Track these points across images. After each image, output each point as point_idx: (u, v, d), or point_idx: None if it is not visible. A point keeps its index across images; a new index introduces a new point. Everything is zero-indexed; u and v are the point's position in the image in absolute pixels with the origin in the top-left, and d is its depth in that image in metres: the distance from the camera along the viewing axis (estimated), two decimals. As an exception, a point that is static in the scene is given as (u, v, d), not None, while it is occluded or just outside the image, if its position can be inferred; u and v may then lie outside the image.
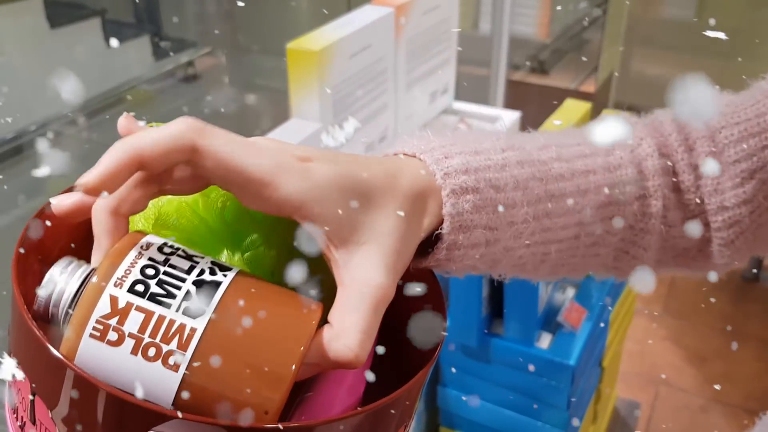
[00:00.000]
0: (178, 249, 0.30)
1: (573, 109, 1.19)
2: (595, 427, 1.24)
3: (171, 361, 0.28)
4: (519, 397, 1.02)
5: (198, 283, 0.29)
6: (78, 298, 0.29)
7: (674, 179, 0.40)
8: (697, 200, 0.39)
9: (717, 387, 1.67)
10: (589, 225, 0.38)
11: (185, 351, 0.28)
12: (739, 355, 1.78)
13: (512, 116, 1.20)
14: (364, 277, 0.30)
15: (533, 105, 1.74)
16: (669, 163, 0.39)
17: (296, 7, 2.22)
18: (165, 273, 0.29)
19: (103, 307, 0.28)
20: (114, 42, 1.93)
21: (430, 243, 0.35)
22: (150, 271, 0.29)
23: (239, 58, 2.24)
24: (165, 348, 0.28)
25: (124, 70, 1.91)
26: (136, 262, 0.29)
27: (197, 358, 0.28)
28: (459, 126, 1.16)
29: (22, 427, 0.31)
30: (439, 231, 0.33)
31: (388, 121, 1.01)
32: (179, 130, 0.28)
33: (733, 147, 0.38)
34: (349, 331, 0.29)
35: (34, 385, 0.30)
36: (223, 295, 0.29)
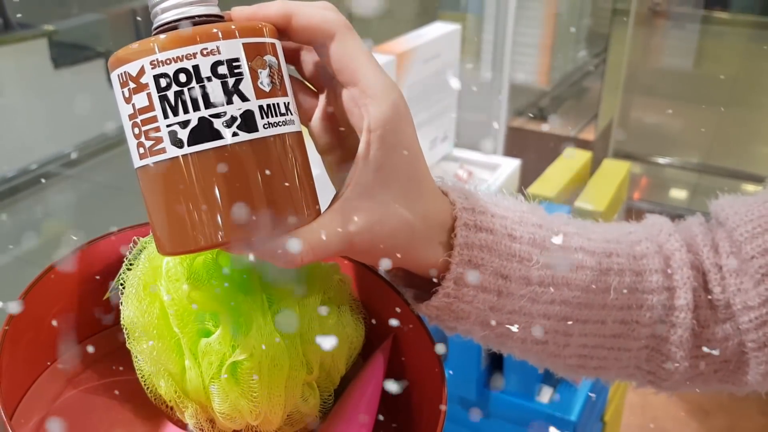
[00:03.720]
0: (234, 75, 0.29)
1: (573, 157, 1.19)
2: (596, 483, 1.20)
3: (140, 150, 0.30)
4: (519, 453, 0.99)
5: (202, 122, 0.29)
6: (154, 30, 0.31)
7: (703, 277, 0.39)
8: (726, 301, 0.39)
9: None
10: (614, 310, 0.37)
11: (148, 157, 0.29)
12: (743, 410, 1.75)
13: (512, 164, 1.20)
14: (349, 220, 0.31)
15: (533, 152, 1.75)
16: (697, 261, 0.39)
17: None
18: (190, 90, 0.29)
19: (132, 68, 0.29)
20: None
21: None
22: (182, 78, 0.29)
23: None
24: (142, 139, 0.29)
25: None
26: (182, 60, 0.29)
27: (151, 171, 0.29)
28: (458, 172, 1.15)
29: None
30: (447, 260, 0.33)
31: (387, 168, 1.00)
32: (331, 17, 0.32)
33: (748, 243, 0.38)
34: (302, 237, 0.31)
35: None
36: (203, 150, 0.29)
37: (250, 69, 0.29)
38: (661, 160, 2.38)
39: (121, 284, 0.36)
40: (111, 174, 1.65)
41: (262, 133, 0.29)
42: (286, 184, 0.30)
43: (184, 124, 0.29)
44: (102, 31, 1.90)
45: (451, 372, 0.95)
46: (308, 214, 0.31)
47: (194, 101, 0.29)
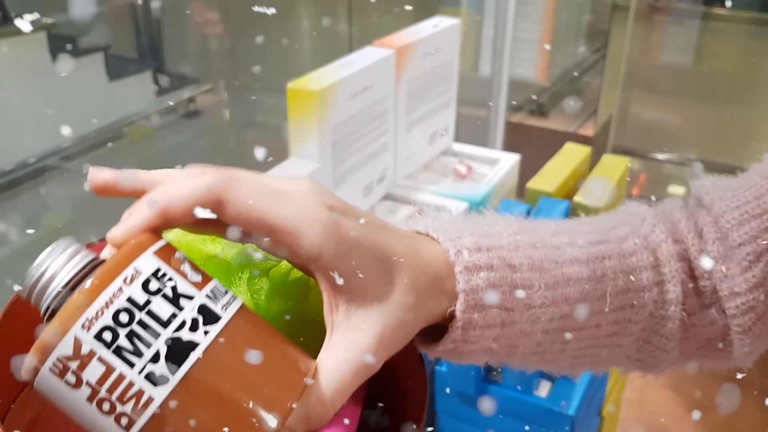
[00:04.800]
0: (166, 283, 0.28)
1: (573, 152, 1.19)
2: (594, 478, 1.21)
3: (123, 421, 0.26)
4: (517, 447, 0.99)
5: (172, 343, 0.27)
6: (54, 310, 0.27)
7: (689, 265, 0.39)
8: (712, 287, 0.39)
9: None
10: (609, 313, 0.37)
11: (138, 418, 0.26)
12: (740, 405, 1.75)
13: (511, 159, 1.20)
14: (356, 342, 0.30)
15: (532, 147, 1.75)
16: (683, 250, 0.39)
17: (298, 47, 2.24)
18: (139, 322, 0.27)
19: (65, 347, 0.26)
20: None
21: (443, 331, 0.34)
22: (123, 318, 0.27)
23: (240, 96, 2.25)
24: (119, 408, 0.26)
25: (125, 105, 1.91)
26: (113, 302, 0.26)
27: (149, 428, 0.26)
28: (458, 167, 1.15)
29: None
30: (453, 309, 0.32)
31: (387, 162, 1.00)
32: (205, 184, 0.28)
33: (735, 230, 0.38)
34: (324, 386, 0.29)
35: None
36: (193, 365, 0.27)
37: (175, 270, 0.28)
38: (660, 156, 2.38)
39: None
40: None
41: (226, 317, 0.28)
42: (274, 351, 0.29)
43: (155, 359, 0.26)
44: (101, 24, 1.90)
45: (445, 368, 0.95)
46: (308, 367, 0.29)
47: (150, 330, 0.27)
